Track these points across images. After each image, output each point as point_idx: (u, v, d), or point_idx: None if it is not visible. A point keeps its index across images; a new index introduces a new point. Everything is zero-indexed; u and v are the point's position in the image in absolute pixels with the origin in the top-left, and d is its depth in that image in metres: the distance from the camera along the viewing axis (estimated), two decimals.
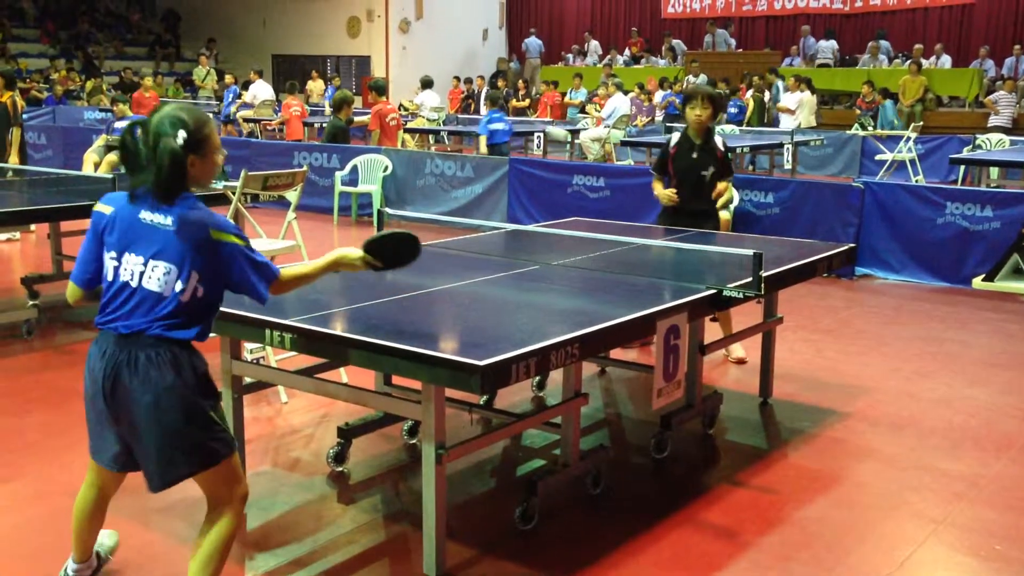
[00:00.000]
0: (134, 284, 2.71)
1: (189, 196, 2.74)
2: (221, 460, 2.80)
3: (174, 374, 2.70)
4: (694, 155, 5.67)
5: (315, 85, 21.27)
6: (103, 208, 2.79)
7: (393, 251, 3.15)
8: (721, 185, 5.67)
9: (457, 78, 22.20)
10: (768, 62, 20.94)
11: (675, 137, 5.79)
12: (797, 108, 16.82)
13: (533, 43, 25.57)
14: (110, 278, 2.76)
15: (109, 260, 2.76)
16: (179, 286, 2.69)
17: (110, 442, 2.85)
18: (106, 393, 2.73)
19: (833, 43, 21.46)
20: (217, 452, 2.79)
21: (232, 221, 2.79)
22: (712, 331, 4.76)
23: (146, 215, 2.72)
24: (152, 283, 2.70)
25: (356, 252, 3.07)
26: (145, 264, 2.70)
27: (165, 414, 2.70)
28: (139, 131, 2.75)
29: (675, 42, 23.49)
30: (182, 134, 2.68)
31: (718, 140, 5.74)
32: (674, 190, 5.69)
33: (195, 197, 2.76)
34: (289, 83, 15.57)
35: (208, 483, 2.84)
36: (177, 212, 2.70)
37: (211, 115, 14.66)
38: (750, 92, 18.27)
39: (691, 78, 20.15)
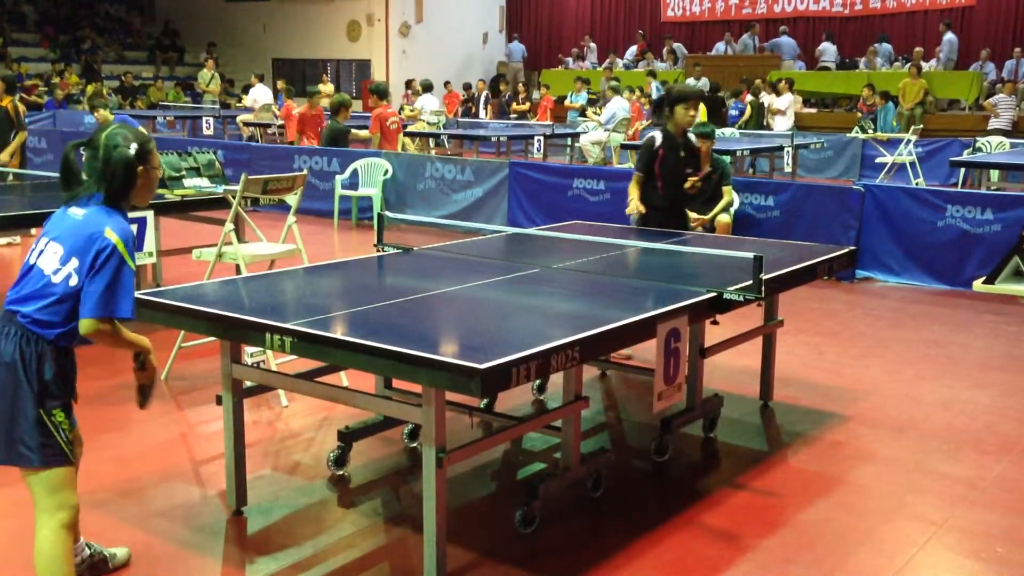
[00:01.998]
0: (31, 261, 2.90)
1: (121, 210, 2.94)
2: (35, 466, 2.85)
3: (19, 351, 2.80)
4: (681, 154, 5.79)
5: (326, 88, 21.34)
6: (53, 213, 3.02)
7: None
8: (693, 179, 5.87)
9: (448, 83, 22.19)
10: (767, 65, 20.96)
11: (658, 138, 5.79)
12: (787, 108, 17.11)
13: (516, 48, 25.73)
14: (28, 261, 2.94)
15: (35, 249, 2.94)
16: (56, 266, 2.83)
17: None
18: None
19: (831, 45, 21.50)
20: (33, 454, 2.84)
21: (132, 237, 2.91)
22: (712, 334, 4.76)
23: (72, 209, 2.93)
24: (42, 260, 2.87)
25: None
26: (47, 244, 2.89)
27: (14, 396, 2.81)
28: (83, 149, 2.97)
29: (676, 45, 23.50)
30: (134, 145, 2.94)
31: (692, 137, 5.98)
32: (641, 205, 5.79)
33: (122, 212, 2.94)
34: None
35: (37, 483, 2.90)
36: (94, 209, 2.90)
37: (214, 118, 14.56)
38: (750, 96, 18.30)
39: (692, 81, 20.16)
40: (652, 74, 19.81)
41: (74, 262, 2.82)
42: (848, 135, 15.88)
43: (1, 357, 2.81)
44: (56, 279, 2.82)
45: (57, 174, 3.15)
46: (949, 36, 19.85)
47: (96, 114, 12.39)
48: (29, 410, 2.82)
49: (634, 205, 5.81)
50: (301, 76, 23.69)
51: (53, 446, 2.86)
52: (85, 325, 2.81)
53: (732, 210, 8.33)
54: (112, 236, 2.82)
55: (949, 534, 3.77)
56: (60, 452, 2.88)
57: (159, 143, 12.82)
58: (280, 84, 19.90)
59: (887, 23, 22.01)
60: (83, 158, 2.98)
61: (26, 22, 24.81)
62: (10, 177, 8.20)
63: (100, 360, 5.86)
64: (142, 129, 3.05)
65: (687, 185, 5.78)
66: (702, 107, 17.21)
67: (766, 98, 18.15)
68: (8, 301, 2.86)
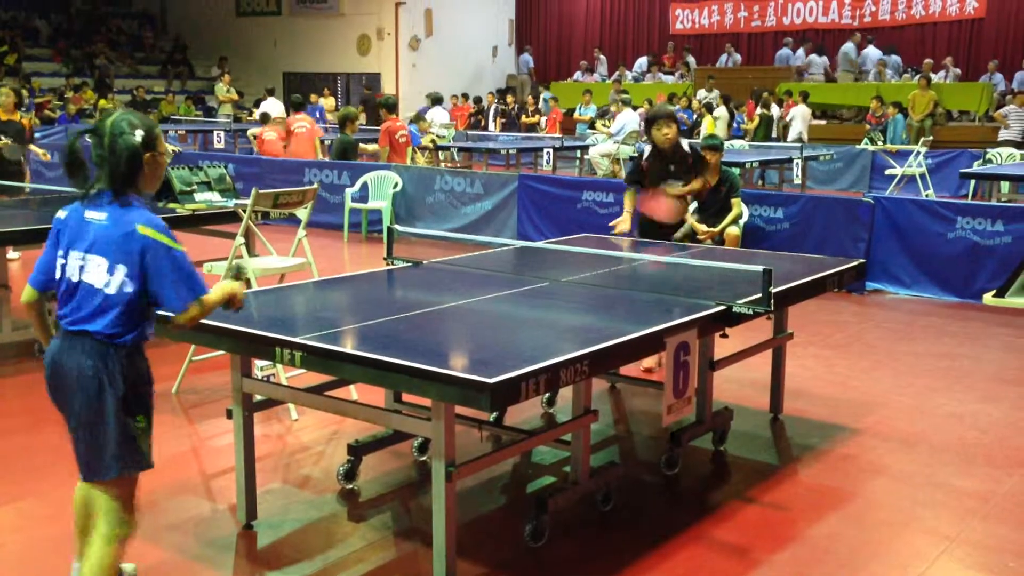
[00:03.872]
0: (75, 279, 2.85)
1: (131, 198, 2.87)
2: (119, 472, 2.86)
3: (97, 366, 2.79)
4: (670, 167, 6.02)
5: (327, 102, 21.42)
6: (60, 214, 2.95)
7: None
8: (695, 184, 6.07)
9: (456, 96, 22.24)
10: (778, 77, 20.97)
11: (646, 152, 6.12)
12: (793, 120, 17.25)
13: (523, 60, 25.93)
14: (58, 276, 2.90)
15: (59, 260, 2.90)
16: (106, 278, 2.80)
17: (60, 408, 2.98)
18: (49, 383, 2.90)
19: (825, 59, 21.55)
20: (118, 460, 2.85)
21: (165, 224, 2.88)
22: (722, 347, 4.75)
23: (89, 214, 2.87)
24: (89, 276, 2.82)
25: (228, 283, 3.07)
26: (83, 258, 2.83)
27: (84, 405, 2.81)
28: (88, 137, 2.93)
29: (689, 58, 23.53)
30: (140, 132, 2.87)
31: (685, 145, 6.10)
32: (626, 225, 6.11)
33: (139, 200, 2.88)
34: (294, 97, 15.60)
35: (106, 490, 2.91)
36: (114, 208, 2.84)
37: (224, 132, 14.64)
38: (759, 109, 18.32)
39: (703, 92, 20.20)
40: (623, 91, 19.65)
41: (122, 269, 2.80)
42: (857, 147, 15.86)
43: (82, 371, 2.80)
44: (111, 291, 2.80)
45: (70, 190, 3.17)
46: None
47: None
48: (112, 420, 2.82)
49: (620, 225, 6.14)
50: (312, 90, 23.77)
51: (133, 453, 2.88)
52: (179, 320, 2.85)
53: (741, 222, 8.32)
54: (146, 231, 2.80)
55: (961, 548, 3.76)
56: (139, 460, 2.90)
57: (172, 158, 12.84)
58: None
59: (896, 35, 22.00)
60: (90, 147, 2.94)
61: (39, 37, 24.99)
62: (26, 191, 8.26)
63: None
64: (145, 116, 3.00)
65: (675, 191, 5.99)
66: (710, 120, 17.32)
67: (776, 110, 18.19)
68: (70, 323, 2.84)
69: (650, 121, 6.10)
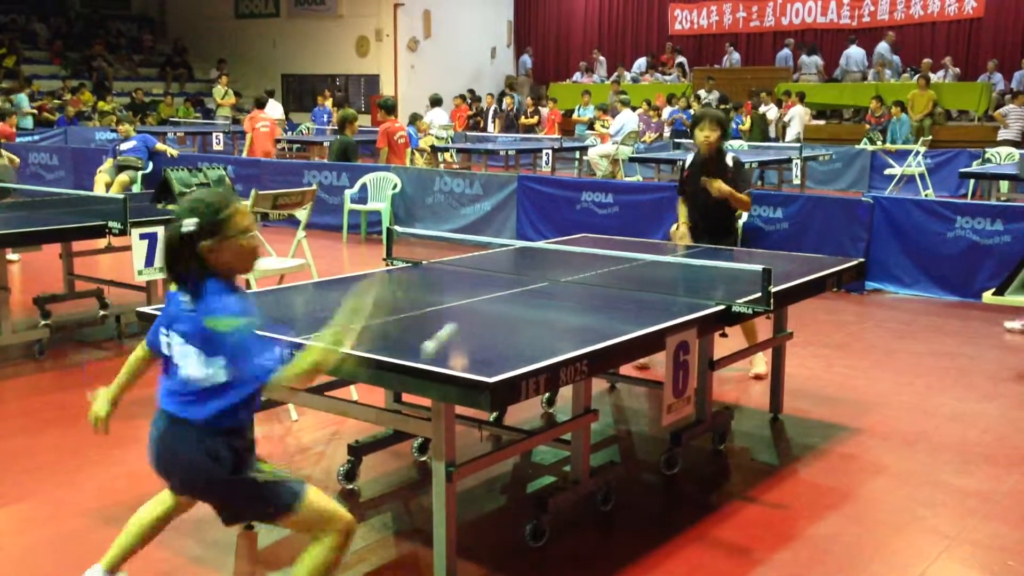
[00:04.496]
0: (176, 363, 2.80)
1: (208, 284, 2.72)
2: (284, 512, 2.81)
3: (204, 457, 2.74)
4: (705, 172, 5.79)
5: (330, 103, 21.50)
6: (172, 287, 2.89)
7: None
8: (743, 195, 5.79)
9: (461, 97, 22.25)
10: (776, 78, 20.98)
11: (688, 160, 6.00)
12: (792, 120, 17.32)
13: (523, 61, 26.01)
14: (164, 352, 2.87)
15: (163, 336, 2.86)
16: (204, 371, 2.73)
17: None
18: (158, 463, 2.86)
19: (817, 59, 21.60)
20: (273, 508, 2.82)
21: (249, 304, 2.77)
22: (722, 346, 4.75)
23: (182, 297, 2.80)
24: (185, 364, 2.77)
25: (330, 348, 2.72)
26: (182, 343, 2.78)
27: (202, 490, 2.84)
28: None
29: (679, 59, 23.55)
30: (192, 220, 2.71)
31: (728, 158, 5.87)
32: (686, 232, 5.91)
33: (220, 284, 2.73)
34: (257, 97, 15.77)
35: (293, 527, 2.90)
36: (196, 295, 2.74)
37: (223, 134, 14.74)
38: (763, 107, 18.36)
39: (703, 93, 20.20)
40: (621, 91, 19.70)
41: (217, 361, 2.71)
42: (857, 147, 15.87)
43: (191, 459, 2.75)
44: (204, 382, 2.74)
45: (69, 191, 3.14)
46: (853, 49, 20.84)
47: (120, 128, 12.60)
48: (235, 486, 2.80)
49: (677, 232, 6.01)
50: (311, 91, 23.80)
51: (280, 492, 2.81)
52: (267, 390, 2.81)
53: (741, 222, 8.32)
54: (222, 324, 2.67)
55: (961, 547, 3.76)
56: (288, 491, 2.82)
57: (169, 160, 12.86)
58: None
59: (895, 35, 22.01)
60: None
61: (38, 40, 24.99)
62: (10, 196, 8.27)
63: (111, 375, 5.89)
64: (224, 195, 2.81)
65: (720, 187, 5.68)
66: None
67: (769, 110, 18.23)
68: (171, 406, 2.79)
69: (695, 122, 5.97)
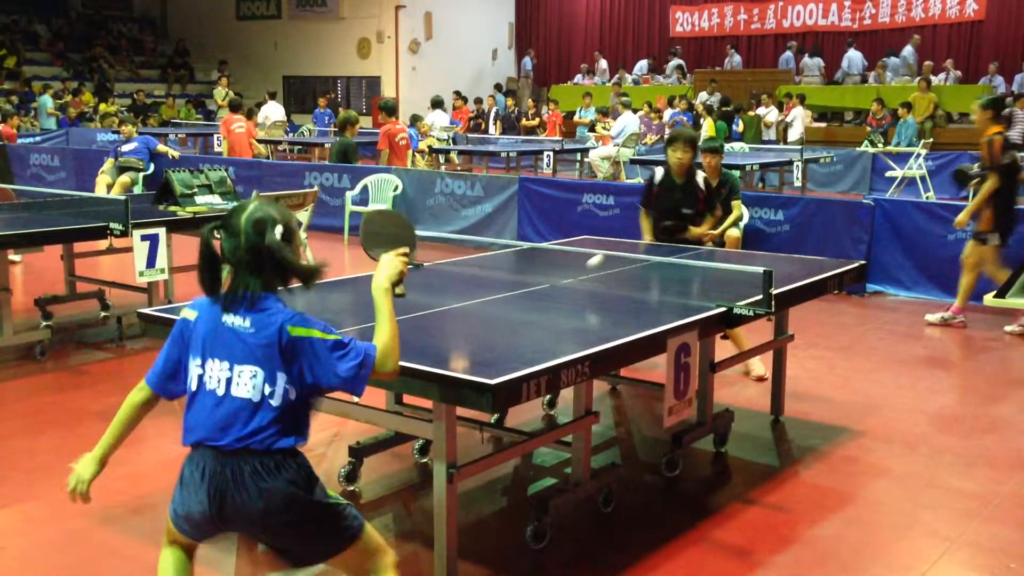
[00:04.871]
0: (221, 392, 2.57)
1: (270, 296, 2.61)
2: (352, 540, 2.67)
3: (282, 481, 2.54)
4: (676, 195, 5.93)
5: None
6: (188, 314, 2.67)
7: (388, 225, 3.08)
8: (707, 224, 6.04)
9: (463, 98, 22.23)
10: (777, 80, 20.99)
11: (658, 175, 6.04)
12: (794, 121, 17.34)
13: (524, 63, 26.10)
14: (194, 387, 2.61)
15: (194, 367, 2.62)
16: (267, 390, 2.54)
17: (206, 534, 2.70)
18: (212, 515, 2.57)
19: (819, 60, 21.61)
20: (344, 536, 2.65)
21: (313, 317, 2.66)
22: (723, 349, 4.75)
23: (228, 319, 2.59)
24: (241, 390, 2.55)
25: (380, 273, 2.87)
26: (231, 370, 2.56)
27: (282, 519, 2.57)
28: (218, 232, 2.63)
29: (676, 62, 23.56)
30: (279, 229, 2.59)
31: (700, 179, 5.99)
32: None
33: (276, 297, 2.62)
34: (232, 99, 15.90)
35: (346, 562, 2.72)
36: (256, 312, 2.58)
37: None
38: (760, 110, 18.35)
39: (704, 95, 20.21)
40: (623, 93, 19.73)
41: (282, 377, 2.55)
42: (858, 149, 15.86)
43: (263, 492, 2.52)
44: (275, 402, 2.55)
45: (70, 192, 3.11)
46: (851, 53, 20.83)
47: (122, 129, 12.64)
48: (316, 509, 2.61)
49: (644, 234, 6.09)
50: (312, 93, 23.82)
51: (348, 515, 2.67)
52: (383, 373, 2.68)
53: (742, 224, 8.33)
54: (300, 332, 2.55)
55: (962, 550, 3.75)
56: (356, 516, 2.70)
57: (171, 162, 12.91)
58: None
59: (895, 37, 22.02)
60: (225, 248, 2.61)
61: (39, 41, 25.02)
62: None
63: (111, 376, 5.90)
64: (280, 207, 2.69)
65: (691, 235, 5.92)
66: (710, 122, 17.34)
67: (769, 113, 18.25)
68: (229, 443, 2.54)
69: (669, 141, 6.04)
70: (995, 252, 6.97)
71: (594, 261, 3.21)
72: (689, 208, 5.92)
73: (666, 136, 17.99)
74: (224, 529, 2.66)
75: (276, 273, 2.60)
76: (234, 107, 14.27)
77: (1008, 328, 7.07)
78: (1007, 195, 7.01)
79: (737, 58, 23.34)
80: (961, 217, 7.39)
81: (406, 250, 2.98)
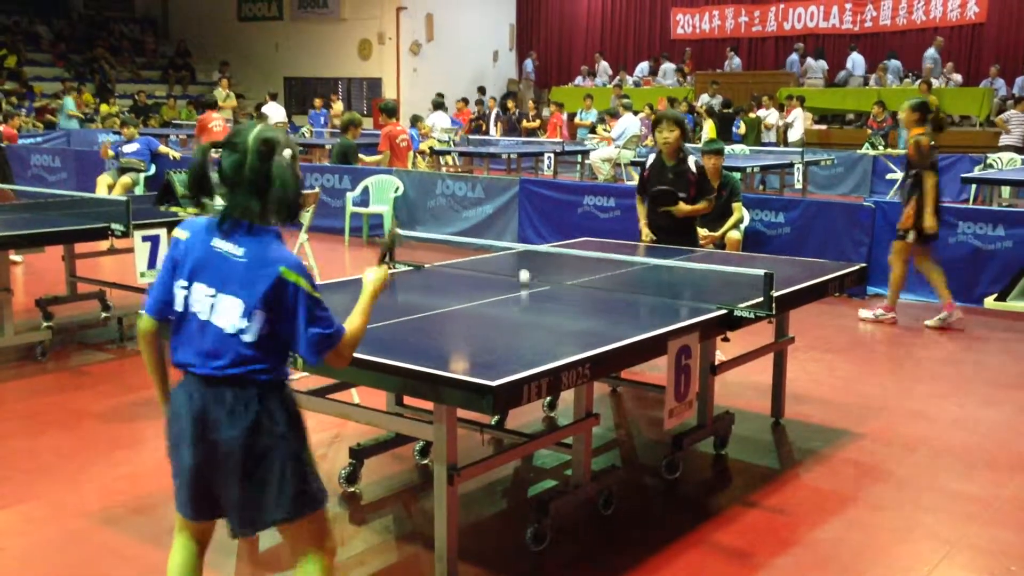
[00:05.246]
0: (204, 317, 2.52)
1: (272, 230, 2.55)
2: (314, 510, 2.64)
3: (262, 415, 2.52)
4: (668, 176, 5.97)
5: (337, 107, 21.57)
6: (179, 234, 2.60)
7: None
8: (700, 205, 5.97)
9: (464, 100, 22.26)
10: (778, 82, 20.99)
11: (651, 159, 6.12)
12: (795, 122, 17.39)
13: (526, 65, 26.16)
14: (180, 308, 2.56)
15: (179, 289, 2.57)
16: (243, 324, 2.49)
17: (194, 491, 2.64)
18: (194, 437, 2.54)
19: (823, 63, 21.59)
20: (310, 502, 2.62)
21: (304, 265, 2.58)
22: (724, 351, 4.76)
23: (219, 243, 2.53)
24: (221, 319, 2.51)
25: (374, 270, 2.87)
26: (215, 296, 2.51)
27: (254, 458, 2.52)
28: (219, 153, 2.55)
29: (666, 65, 23.61)
30: (288, 152, 2.55)
31: (691, 162, 5.98)
32: (648, 233, 6.07)
33: (277, 233, 2.56)
34: (208, 96, 16.02)
35: (296, 535, 2.66)
36: (252, 243, 2.52)
37: None
38: (760, 112, 18.35)
39: (706, 97, 20.23)
40: (623, 95, 19.74)
41: (260, 315, 2.49)
42: (859, 152, 15.87)
43: (241, 419, 2.50)
44: (249, 337, 2.50)
45: (71, 193, 3.07)
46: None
47: (124, 131, 12.68)
48: (292, 459, 2.57)
49: (643, 232, 6.12)
50: (313, 94, 23.82)
51: (318, 485, 2.64)
52: (323, 365, 2.64)
53: (742, 227, 8.33)
54: (291, 276, 2.48)
55: (962, 553, 3.75)
56: (323, 490, 2.67)
57: (172, 163, 12.87)
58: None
59: (896, 40, 22.03)
60: (225, 165, 2.53)
61: (41, 42, 25.03)
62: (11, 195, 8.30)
63: (112, 377, 5.90)
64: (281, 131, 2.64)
65: (674, 208, 5.91)
66: (710, 123, 17.36)
67: (769, 115, 18.26)
68: (211, 369, 2.52)
69: (655, 123, 6.09)
70: (908, 248, 7.24)
71: (523, 278, 3.41)
72: (681, 191, 5.94)
73: None
74: (206, 475, 2.57)
75: (275, 197, 2.51)
76: (210, 105, 14.38)
77: (863, 313, 7.43)
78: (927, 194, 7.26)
79: (736, 60, 23.35)
80: (928, 222, 7.37)
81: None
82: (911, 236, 7.14)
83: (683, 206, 5.92)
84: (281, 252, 2.53)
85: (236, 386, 2.52)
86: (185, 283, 2.55)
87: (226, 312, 2.50)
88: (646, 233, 6.11)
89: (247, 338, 2.50)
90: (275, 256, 2.51)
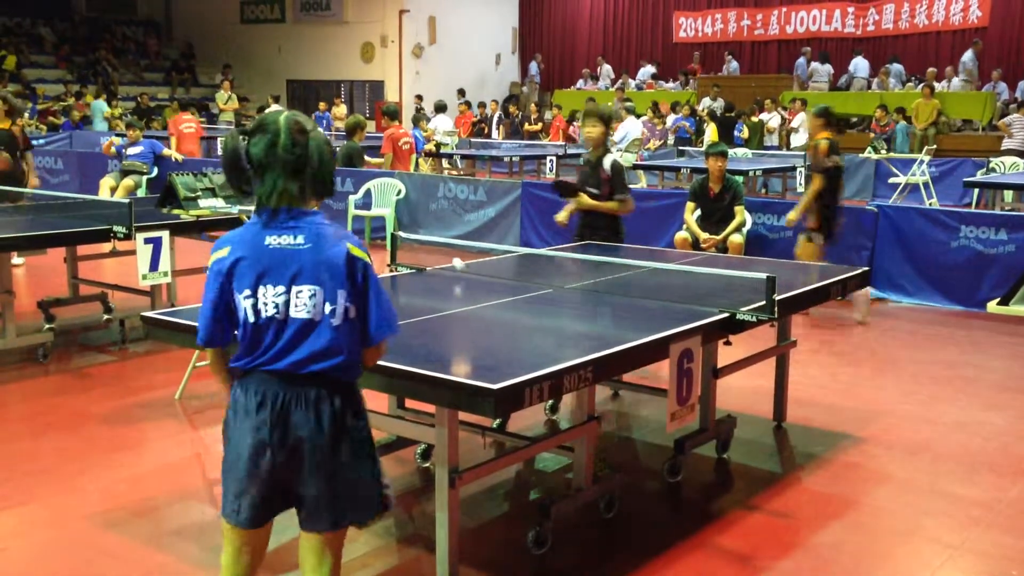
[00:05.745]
0: (281, 316, 2.45)
1: (312, 210, 2.52)
2: (373, 518, 2.60)
3: (349, 413, 2.49)
4: (586, 171, 6.10)
5: (338, 110, 21.59)
6: (219, 254, 2.51)
7: None
8: (609, 203, 5.93)
9: (467, 103, 22.26)
10: (781, 86, 21.00)
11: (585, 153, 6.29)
12: (800, 126, 17.40)
13: (531, 68, 26.24)
14: (251, 319, 2.46)
15: (244, 300, 2.47)
16: (327, 308, 2.44)
17: (256, 497, 2.57)
18: (274, 442, 2.46)
19: (829, 67, 21.58)
20: (370, 507, 2.57)
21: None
22: (725, 355, 4.75)
23: (273, 240, 2.46)
24: (301, 310, 2.44)
25: None
26: (287, 291, 2.44)
27: (339, 450, 2.48)
28: (255, 139, 2.50)
29: (649, 66, 23.69)
30: (320, 132, 2.55)
31: (607, 162, 5.95)
32: (565, 213, 6.18)
33: (319, 211, 2.54)
34: (180, 101, 16.26)
35: (332, 544, 2.62)
36: (306, 228, 2.47)
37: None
38: (763, 115, 18.37)
39: (708, 100, 20.24)
40: (626, 99, 19.76)
41: (342, 295, 2.44)
42: (861, 155, 15.86)
43: (326, 416, 2.46)
44: (337, 321, 2.44)
45: (73, 195, 3.07)
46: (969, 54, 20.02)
47: (129, 133, 12.72)
48: (364, 462, 2.53)
49: (562, 214, 6.20)
50: (316, 97, 23.85)
51: (381, 491, 2.58)
52: (371, 357, 2.58)
53: (744, 230, 8.33)
54: (359, 253, 2.46)
55: (965, 557, 3.75)
56: (383, 500, 2.61)
57: (175, 165, 12.88)
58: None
59: (899, 44, 22.03)
60: (255, 151, 2.49)
61: (43, 44, 25.07)
62: (24, 199, 8.28)
63: (114, 379, 5.91)
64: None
65: (584, 203, 5.97)
66: (713, 127, 17.35)
67: (772, 119, 18.28)
68: (289, 365, 2.44)
69: (584, 116, 6.12)
70: (821, 250, 7.42)
71: (458, 265, 3.54)
72: (594, 187, 5.96)
73: (670, 141, 18.04)
74: (277, 474, 2.49)
75: (315, 173, 2.48)
76: (184, 107, 14.60)
77: (856, 316, 7.52)
78: (831, 197, 7.52)
79: (735, 64, 23.36)
80: (791, 215, 7.91)
81: None
82: (819, 238, 7.43)
83: (584, 198, 5.95)
84: (340, 230, 2.51)
85: (320, 381, 2.46)
86: (249, 292, 2.47)
87: (306, 303, 2.44)
88: (563, 215, 6.17)
89: (335, 321, 2.45)
90: (337, 235, 2.49)
